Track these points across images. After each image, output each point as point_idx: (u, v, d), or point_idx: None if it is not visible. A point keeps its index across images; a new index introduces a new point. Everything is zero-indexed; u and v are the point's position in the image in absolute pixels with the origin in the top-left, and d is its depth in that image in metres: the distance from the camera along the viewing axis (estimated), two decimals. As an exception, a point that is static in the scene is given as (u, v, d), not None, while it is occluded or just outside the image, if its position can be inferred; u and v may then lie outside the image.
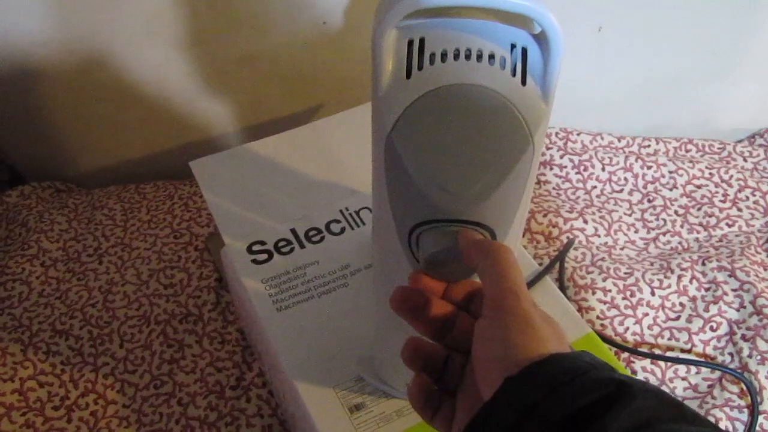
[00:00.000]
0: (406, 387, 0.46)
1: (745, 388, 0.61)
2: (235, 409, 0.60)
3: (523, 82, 0.30)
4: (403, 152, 0.31)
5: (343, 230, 0.57)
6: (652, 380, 0.63)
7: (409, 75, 0.30)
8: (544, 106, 0.30)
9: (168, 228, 0.75)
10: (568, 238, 0.72)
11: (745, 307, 0.66)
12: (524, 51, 0.30)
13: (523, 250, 0.57)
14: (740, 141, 0.87)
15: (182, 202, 0.78)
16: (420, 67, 0.30)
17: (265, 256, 0.56)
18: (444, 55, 0.29)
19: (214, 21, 0.71)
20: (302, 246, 0.57)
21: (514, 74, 0.29)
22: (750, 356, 0.63)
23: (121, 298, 0.69)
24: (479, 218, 0.32)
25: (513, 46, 0.30)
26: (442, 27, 0.30)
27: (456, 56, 0.29)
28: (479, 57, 0.29)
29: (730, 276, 0.68)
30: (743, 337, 0.64)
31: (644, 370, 0.64)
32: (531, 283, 0.55)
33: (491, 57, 0.29)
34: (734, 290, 0.67)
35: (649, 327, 0.66)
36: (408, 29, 0.30)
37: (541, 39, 0.29)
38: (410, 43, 0.30)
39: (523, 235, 0.73)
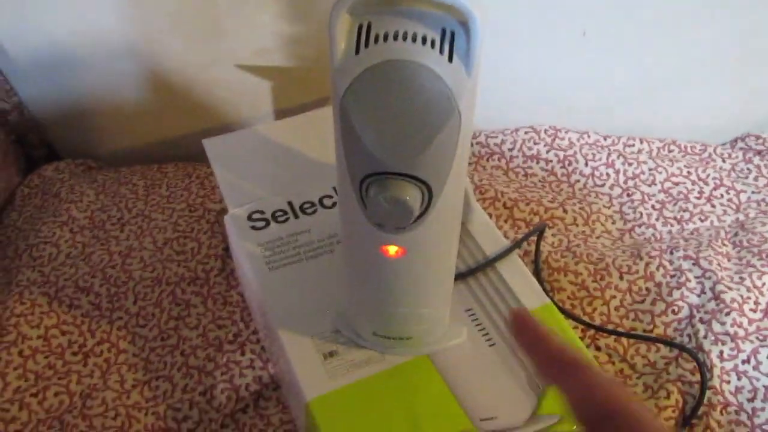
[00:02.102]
0: (373, 336, 0.53)
1: (697, 365, 0.66)
2: (230, 361, 0.67)
3: (450, 59, 0.36)
4: (352, 114, 0.37)
5: (333, 204, 0.64)
6: (615, 356, 0.69)
7: (357, 52, 0.36)
8: (467, 79, 0.36)
9: (184, 203, 0.82)
10: (548, 226, 0.78)
11: (705, 293, 0.71)
12: (452, 34, 0.36)
13: (494, 227, 0.63)
14: (723, 144, 0.92)
15: (199, 181, 0.85)
16: (366, 46, 0.36)
17: (263, 223, 0.63)
18: (386, 37, 0.36)
19: (232, 16, 0.79)
20: (296, 216, 0.63)
21: (442, 53, 0.36)
22: (705, 337, 0.68)
23: (138, 262, 0.76)
24: (416, 172, 0.38)
25: (443, 30, 0.36)
26: (387, 14, 0.37)
27: (395, 37, 0.36)
28: (414, 38, 0.36)
29: (694, 264, 0.73)
30: (701, 320, 0.69)
31: (608, 347, 0.69)
32: (500, 257, 0.61)
33: (424, 39, 0.36)
34: (697, 277, 0.72)
35: (616, 309, 0.72)
36: (358, 15, 0.37)
37: (465, 25, 0.36)
38: (360, 26, 0.37)
39: (506, 221, 0.79)
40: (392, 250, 0.44)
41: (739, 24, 0.81)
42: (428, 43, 0.36)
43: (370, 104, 0.37)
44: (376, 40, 0.36)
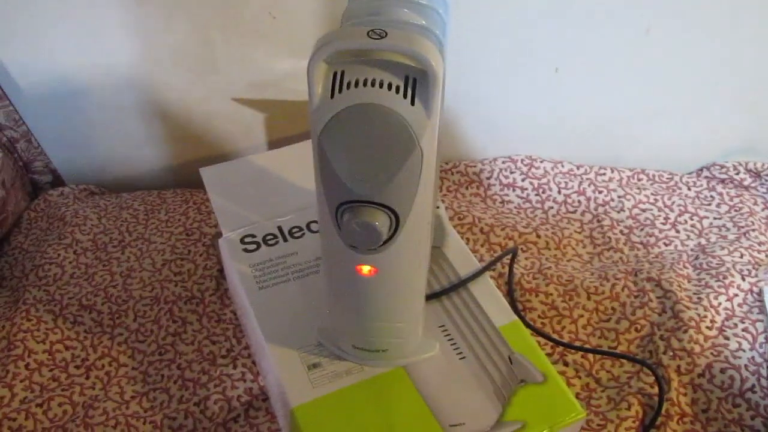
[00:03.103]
0: (353, 349, 0.58)
1: (656, 379, 0.71)
2: (223, 374, 0.72)
3: (413, 103, 0.42)
4: (328, 150, 0.43)
5: (319, 230, 0.70)
6: (582, 371, 0.74)
7: (332, 96, 0.42)
8: (427, 119, 0.42)
9: (182, 227, 0.88)
10: (521, 249, 0.84)
11: (666, 312, 0.76)
12: (414, 81, 0.42)
13: (468, 251, 0.69)
14: (689, 173, 0.98)
15: (196, 206, 0.91)
16: (340, 91, 0.42)
17: (254, 246, 0.68)
18: (357, 83, 0.42)
19: (229, 53, 0.85)
20: (285, 240, 0.69)
21: (405, 97, 0.42)
22: (665, 353, 0.73)
23: (138, 282, 0.81)
24: (383, 200, 0.44)
25: (407, 78, 0.42)
26: (358, 63, 0.42)
27: (365, 84, 0.42)
28: (381, 85, 0.41)
29: (656, 285, 0.78)
30: (661, 337, 0.74)
31: (575, 363, 0.74)
32: (472, 278, 0.66)
33: (390, 85, 0.41)
34: (658, 298, 0.77)
35: (583, 327, 0.77)
36: (334, 64, 0.42)
37: (426, 73, 0.41)
38: (335, 73, 0.42)
39: (483, 245, 0.84)
40: (365, 269, 0.49)
41: (701, 62, 0.87)
42: (393, 88, 0.42)
43: (343, 142, 0.43)
44: (349, 86, 0.42)
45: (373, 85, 0.42)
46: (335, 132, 0.43)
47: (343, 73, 0.42)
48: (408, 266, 0.51)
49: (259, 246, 0.68)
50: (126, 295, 0.80)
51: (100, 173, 0.97)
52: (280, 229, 0.69)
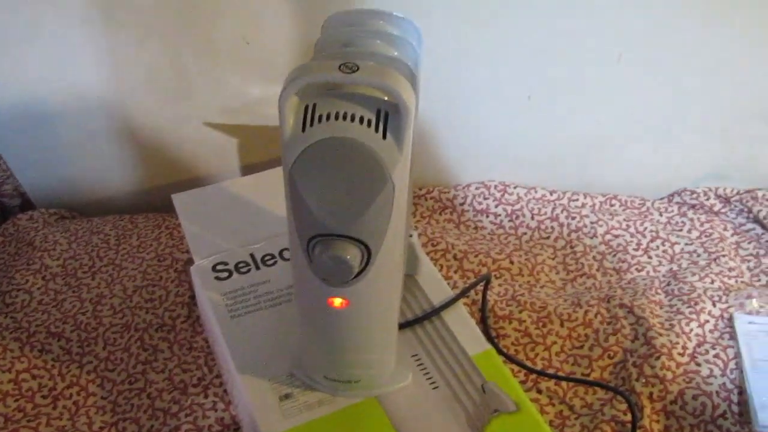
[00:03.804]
0: (324, 379, 0.58)
1: (629, 406, 0.71)
2: (194, 403, 0.71)
3: (384, 137, 0.42)
4: (299, 184, 0.43)
5: (292, 257, 0.69)
6: (555, 399, 0.74)
7: (304, 129, 0.42)
8: (399, 154, 0.42)
9: (153, 252, 0.87)
10: (495, 276, 0.84)
11: (638, 339, 0.77)
12: (386, 115, 0.42)
13: (441, 279, 0.69)
14: (661, 198, 0.99)
15: (168, 231, 0.90)
16: (312, 124, 0.42)
17: (226, 274, 0.67)
18: (329, 117, 0.42)
19: (202, 78, 0.84)
20: (258, 267, 0.68)
21: (377, 131, 0.41)
22: (637, 380, 0.73)
23: (108, 309, 0.80)
24: (355, 234, 0.44)
25: (378, 111, 0.42)
26: (330, 96, 0.42)
27: (337, 117, 0.41)
28: (353, 119, 0.41)
29: (629, 312, 0.79)
30: (633, 364, 0.75)
31: (549, 390, 0.74)
32: (445, 306, 0.66)
33: (362, 119, 0.41)
34: (631, 324, 0.78)
35: (557, 354, 0.77)
36: (306, 97, 0.42)
37: (398, 107, 0.41)
38: (306, 106, 0.42)
39: (456, 272, 0.84)
40: (337, 301, 0.49)
41: (672, 89, 0.88)
42: (365, 122, 0.42)
43: (314, 175, 0.42)
44: (320, 119, 0.42)
45: (344, 118, 0.42)
46: (306, 166, 0.42)
47: (314, 106, 0.42)
48: (380, 298, 0.50)
49: (231, 274, 0.67)
50: (96, 322, 0.79)
51: (71, 197, 0.96)
52: (252, 256, 0.69)
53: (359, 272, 0.46)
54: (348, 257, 0.44)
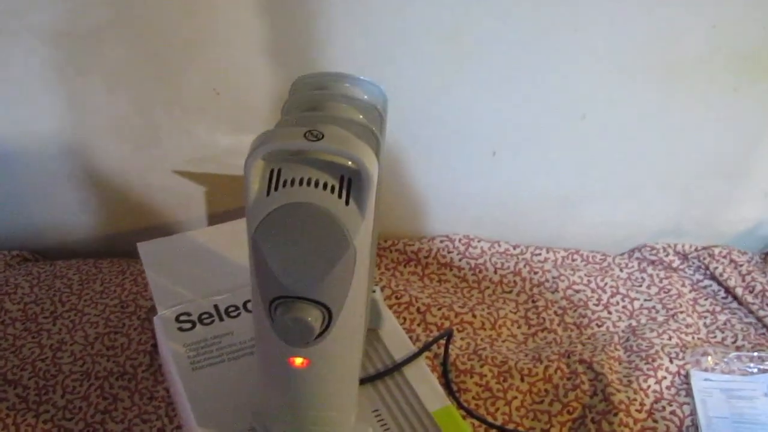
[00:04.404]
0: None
1: (587, 462, 0.72)
2: (153, 455, 0.70)
3: (347, 202, 0.43)
4: (263, 247, 0.43)
5: (256, 308, 0.69)
6: (515, 453, 0.74)
7: (269, 193, 0.43)
8: (361, 219, 0.43)
9: (117, 299, 0.86)
10: (457, 330, 0.85)
11: (597, 395, 0.78)
12: (349, 181, 0.43)
13: (403, 334, 0.69)
14: (622, 254, 1.01)
15: (132, 277, 0.89)
16: (276, 189, 0.43)
17: (189, 325, 0.67)
18: (293, 182, 0.43)
19: (170, 126, 0.85)
20: (221, 319, 0.68)
21: (340, 197, 0.43)
22: (595, 436, 0.74)
23: (69, 356, 0.79)
24: (316, 297, 0.44)
25: (342, 177, 0.43)
26: (295, 162, 0.43)
27: (301, 183, 0.42)
28: (317, 184, 0.42)
29: (588, 368, 0.80)
30: (592, 420, 0.76)
31: (509, 445, 0.75)
32: (406, 362, 0.67)
33: (325, 185, 0.42)
34: (590, 380, 0.79)
35: (517, 409, 0.77)
36: (271, 161, 0.43)
37: (360, 174, 0.43)
38: (272, 171, 0.43)
39: (419, 325, 0.85)
40: (298, 361, 0.49)
41: (634, 146, 0.91)
42: (328, 188, 0.43)
43: (278, 239, 0.43)
44: (285, 184, 0.43)
45: (308, 184, 0.43)
46: (270, 229, 0.43)
47: (279, 171, 0.43)
48: (341, 358, 0.51)
49: (194, 325, 0.67)
50: (55, 369, 0.78)
51: (35, 239, 0.95)
52: (216, 307, 0.69)
53: (320, 333, 0.47)
54: (309, 319, 0.45)
